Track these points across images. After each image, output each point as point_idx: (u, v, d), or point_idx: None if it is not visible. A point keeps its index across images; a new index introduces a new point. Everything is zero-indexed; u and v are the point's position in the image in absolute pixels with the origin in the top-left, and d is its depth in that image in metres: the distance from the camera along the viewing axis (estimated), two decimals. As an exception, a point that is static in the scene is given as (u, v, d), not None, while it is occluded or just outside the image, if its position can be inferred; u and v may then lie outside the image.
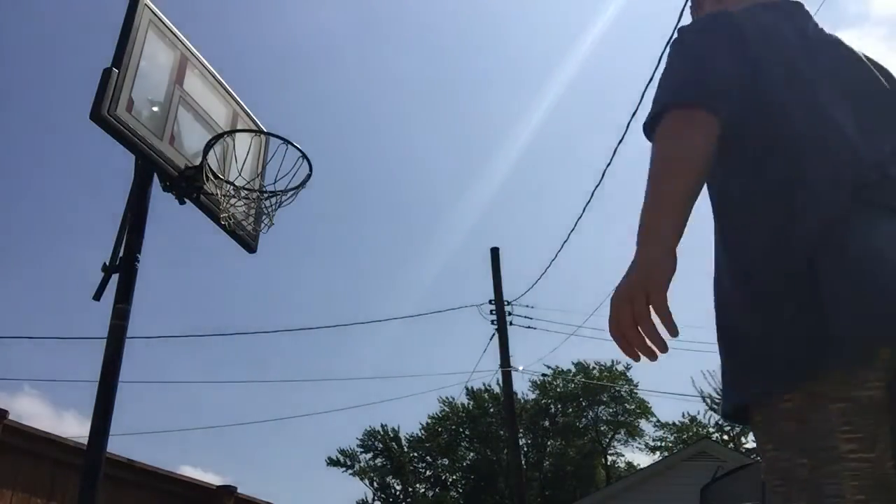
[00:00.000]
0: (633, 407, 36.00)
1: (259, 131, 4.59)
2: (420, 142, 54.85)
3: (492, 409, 35.73)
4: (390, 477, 36.28)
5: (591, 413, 36.61)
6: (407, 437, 36.88)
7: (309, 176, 3.98)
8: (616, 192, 50.26)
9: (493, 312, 15.67)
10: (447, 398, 36.32)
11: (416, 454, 37.21)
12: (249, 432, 74.69)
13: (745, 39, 1.49)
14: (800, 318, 1.29)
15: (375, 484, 36.17)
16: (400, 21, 51.04)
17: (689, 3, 2.06)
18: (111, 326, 3.50)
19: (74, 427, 38.46)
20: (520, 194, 53.60)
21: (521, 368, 16.06)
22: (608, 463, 36.24)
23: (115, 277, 3.62)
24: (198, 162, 3.92)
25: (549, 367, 35.50)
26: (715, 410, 34.95)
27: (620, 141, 9.77)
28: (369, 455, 36.61)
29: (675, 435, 35.79)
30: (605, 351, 55.52)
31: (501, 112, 57.09)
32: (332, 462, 36.21)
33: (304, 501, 49.83)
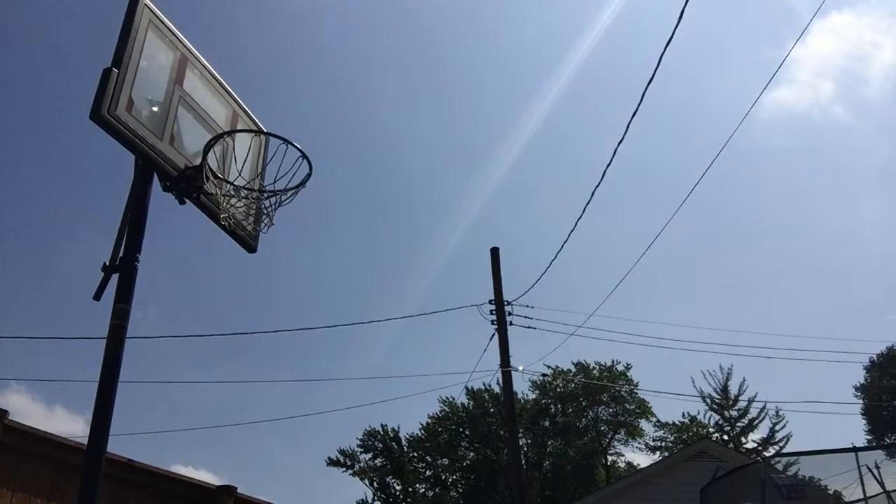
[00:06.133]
0: (633, 407, 35.99)
1: (259, 131, 4.58)
2: (420, 143, 54.88)
3: (492, 409, 35.72)
4: (390, 477, 36.25)
5: (591, 413, 36.59)
6: (407, 437, 36.90)
7: (309, 175, 3.97)
8: (617, 192, 50.27)
9: (493, 312, 15.67)
10: (447, 398, 36.39)
11: (416, 454, 37.18)
12: (248, 432, 74.68)
13: None
14: None
15: (375, 484, 36.14)
16: (400, 22, 51.06)
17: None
18: (111, 326, 3.49)
19: (64, 423, 38.50)
20: (520, 194, 53.64)
21: (521, 368, 16.06)
22: (608, 463, 36.22)
23: (114, 277, 3.62)
24: (198, 162, 3.92)
25: (549, 367, 35.52)
26: (715, 410, 35.00)
27: (620, 141, 9.77)
28: (369, 455, 36.62)
29: (675, 435, 35.77)
30: (605, 351, 55.52)
31: (501, 112, 57.13)
32: (332, 462, 36.20)
33: (304, 501, 49.81)
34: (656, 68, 8.27)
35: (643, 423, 36.31)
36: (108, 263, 3.63)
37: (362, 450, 36.46)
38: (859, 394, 34.69)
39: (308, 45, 52.51)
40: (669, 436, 36.03)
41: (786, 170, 53.23)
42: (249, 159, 4.35)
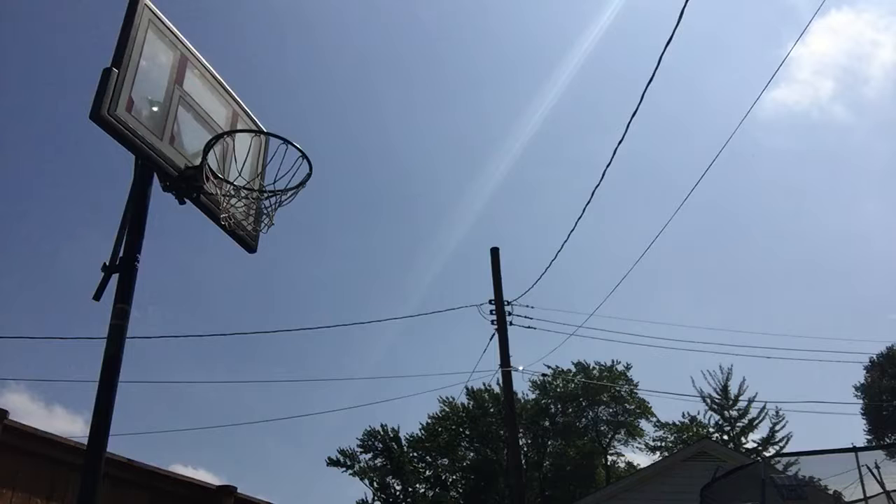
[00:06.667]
0: (633, 407, 35.97)
1: (259, 131, 4.58)
2: (420, 143, 54.87)
3: (492, 409, 35.71)
4: (390, 477, 36.24)
5: (591, 413, 36.57)
6: (407, 437, 36.89)
7: (309, 175, 3.97)
8: (617, 192, 50.29)
9: (493, 312, 15.66)
10: (447, 398, 36.39)
11: (416, 454, 37.17)
12: (248, 432, 74.71)
13: None
14: None
15: (375, 484, 36.13)
16: (400, 22, 51.05)
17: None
18: (111, 326, 3.49)
19: (63, 423, 38.55)
20: (520, 194, 53.65)
21: (521, 368, 16.05)
22: (608, 463, 36.21)
23: (114, 277, 3.62)
24: (198, 162, 3.92)
25: (549, 367, 35.54)
26: (715, 410, 35.00)
27: (620, 141, 9.78)
28: (369, 455, 36.60)
29: (675, 435, 35.76)
30: (605, 351, 55.57)
31: (501, 112, 57.13)
32: (332, 462, 36.19)
33: (304, 501, 49.83)
34: (656, 68, 8.28)
35: (643, 423, 36.34)
36: (108, 263, 3.63)
37: (362, 450, 36.47)
38: (859, 394, 34.68)
39: (308, 45, 52.52)
40: (669, 436, 36.02)
41: (786, 169, 53.26)
42: (249, 159, 4.35)
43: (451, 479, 37.22)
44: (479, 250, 54.77)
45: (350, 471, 36.14)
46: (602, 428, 36.63)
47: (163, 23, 3.92)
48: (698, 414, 35.65)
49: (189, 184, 3.86)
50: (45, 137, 43.79)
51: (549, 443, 36.65)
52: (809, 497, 10.18)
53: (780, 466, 11.01)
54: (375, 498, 36.17)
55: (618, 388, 35.30)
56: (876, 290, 48.77)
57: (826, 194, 53.38)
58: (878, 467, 9.68)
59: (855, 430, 33.88)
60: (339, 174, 48.28)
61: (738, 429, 34.39)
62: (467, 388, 36.35)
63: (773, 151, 50.77)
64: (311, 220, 49.03)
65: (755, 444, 33.69)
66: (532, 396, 36.83)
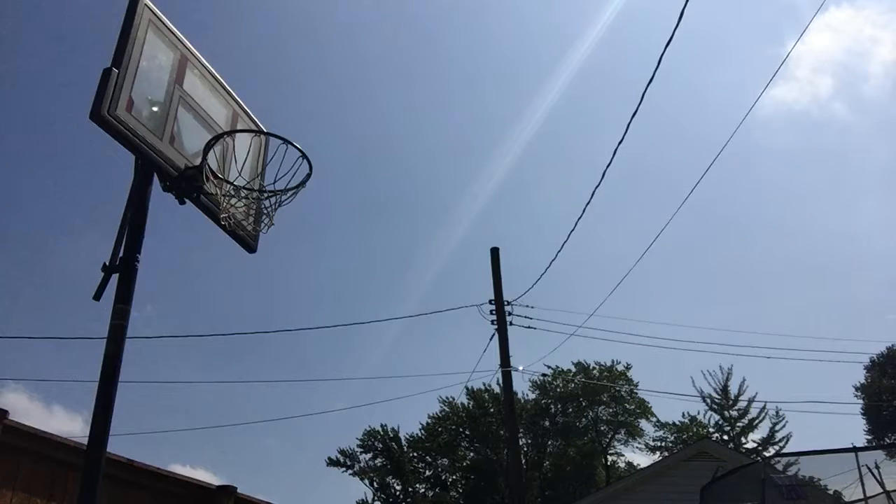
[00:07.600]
0: (633, 407, 35.98)
1: (259, 131, 4.58)
2: (420, 143, 54.89)
3: (492, 409, 35.72)
4: (390, 477, 36.25)
5: (591, 413, 36.58)
6: (407, 437, 36.90)
7: (309, 175, 3.96)
8: (617, 192, 50.28)
9: (493, 312, 15.66)
10: (447, 398, 36.40)
11: (416, 454, 37.18)
12: (248, 432, 74.70)
13: None
14: None
15: (375, 484, 36.14)
16: (400, 22, 51.05)
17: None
18: (111, 326, 3.49)
19: (62, 423, 38.55)
20: (520, 194, 53.65)
21: (521, 368, 16.06)
22: (608, 463, 36.21)
23: (114, 277, 3.62)
24: (198, 162, 3.92)
25: (549, 367, 35.55)
26: (715, 410, 35.00)
27: (620, 141, 9.78)
28: (369, 455, 36.62)
29: (675, 435, 35.77)
30: (605, 351, 55.56)
31: (501, 112, 57.15)
32: (332, 462, 36.22)
33: (304, 501, 49.82)
34: (656, 69, 8.28)
35: (643, 423, 36.35)
36: (108, 263, 3.63)
37: (362, 450, 36.50)
38: (859, 394, 34.69)
39: (308, 45, 52.53)
40: (669, 436, 36.03)
41: (785, 168, 53.27)
42: (249, 159, 4.35)
43: (451, 479, 37.23)
44: (479, 250, 54.77)
45: (350, 471, 36.20)
46: (602, 428, 36.64)
47: (163, 23, 3.92)
48: (698, 414, 35.71)
49: (189, 184, 3.86)
50: (45, 137, 43.81)
51: (549, 443, 36.65)
52: (809, 497, 10.18)
53: (780, 466, 11.01)
54: (375, 498, 36.20)
55: (618, 388, 35.31)
56: (876, 290, 48.81)
57: (826, 194, 53.42)
58: (878, 467, 9.68)
59: (855, 430, 33.93)
60: (339, 174, 48.32)
61: (738, 429, 34.40)
62: (467, 388, 36.45)
63: (773, 150, 50.81)
64: (311, 220, 49.07)
65: (755, 444, 33.72)
66: (532, 396, 36.88)
